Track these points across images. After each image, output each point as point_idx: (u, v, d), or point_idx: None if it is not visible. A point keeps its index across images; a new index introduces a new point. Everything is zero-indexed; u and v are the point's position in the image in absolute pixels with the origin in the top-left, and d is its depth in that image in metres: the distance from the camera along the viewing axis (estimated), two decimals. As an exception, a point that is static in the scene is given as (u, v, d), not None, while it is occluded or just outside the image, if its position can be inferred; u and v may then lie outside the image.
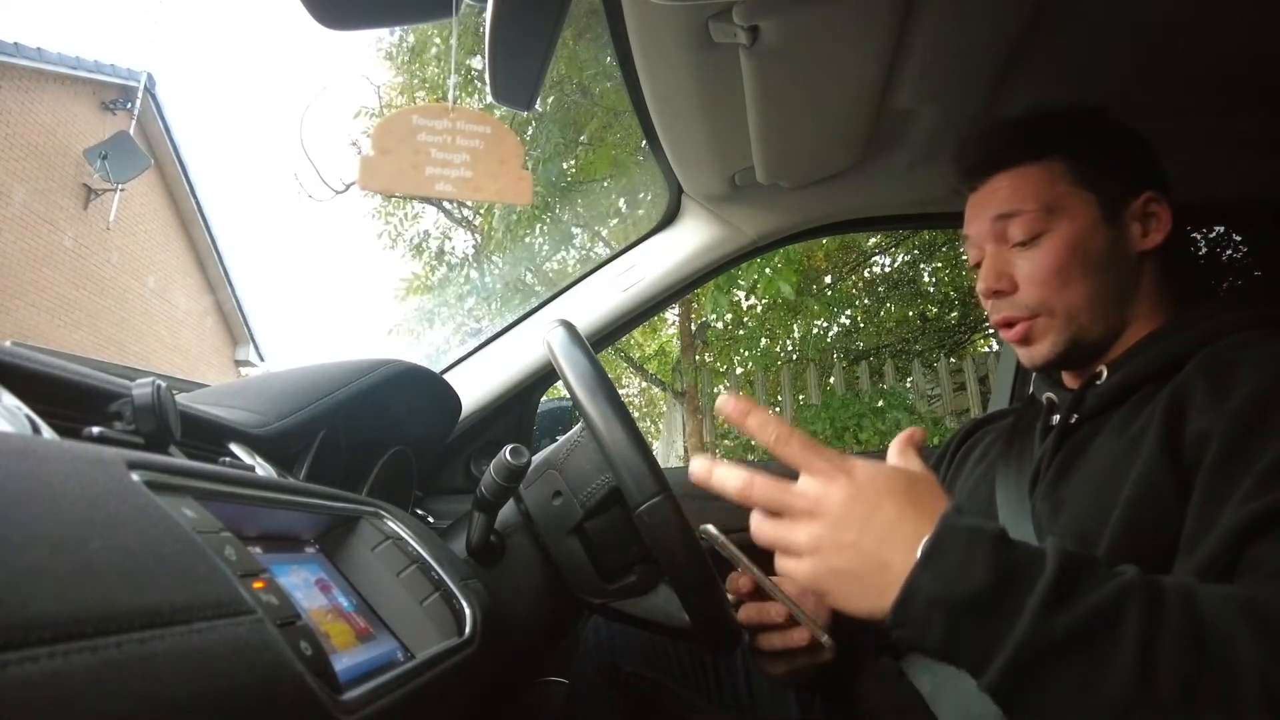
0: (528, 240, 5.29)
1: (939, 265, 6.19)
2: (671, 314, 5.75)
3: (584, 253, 5.61)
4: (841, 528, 0.51)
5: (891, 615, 0.49)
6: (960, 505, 0.52)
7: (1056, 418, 0.76)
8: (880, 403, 4.87)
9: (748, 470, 0.54)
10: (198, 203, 8.78)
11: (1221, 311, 0.70)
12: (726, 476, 0.55)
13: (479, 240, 6.00)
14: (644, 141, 1.09)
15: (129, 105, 7.71)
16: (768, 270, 4.32)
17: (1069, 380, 0.80)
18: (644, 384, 6.96)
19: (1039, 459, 0.74)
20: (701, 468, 0.56)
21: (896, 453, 0.60)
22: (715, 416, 5.65)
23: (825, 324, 5.96)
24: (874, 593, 0.50)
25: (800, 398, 5.39)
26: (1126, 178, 0.75)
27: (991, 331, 5.92)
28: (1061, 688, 0.44)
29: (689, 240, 1.26)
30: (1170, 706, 0.42)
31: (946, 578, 0.47)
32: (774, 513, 0.54)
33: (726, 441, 5.55)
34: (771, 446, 0.54)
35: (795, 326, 5.81)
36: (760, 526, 0.55)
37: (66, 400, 0.49)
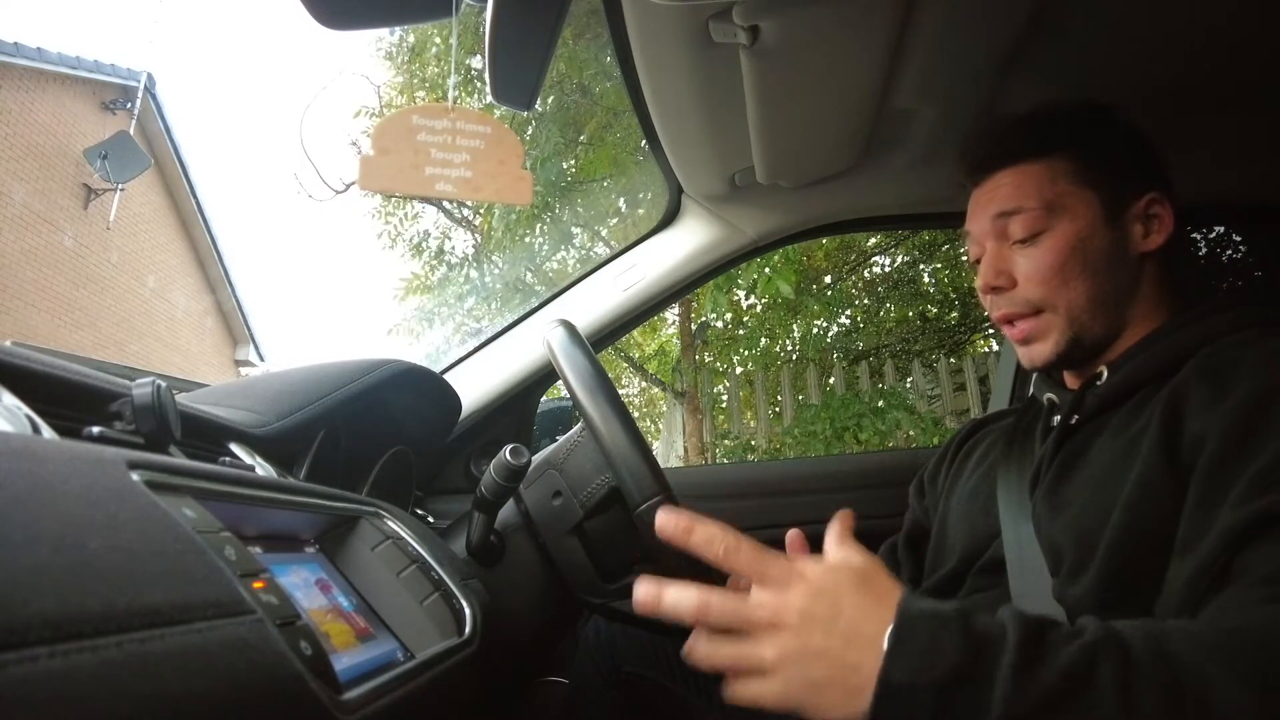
0: (527, 240, 5.28)
1: (939, 265, 6.19)
2: (671, 314, 5.75)
3: (584, 253, 5.61)
4: (806, 634, 0.48)
5: (871, 712, 0.46)
6: (911, 591, 0.50)
7: (1057, 418, 0.76)
8: (880, 403, 4.87)
9: (700, 590, 0.50)
10: (198, 203, 8.77)
11: (1219, 312, 0.70)
12: (679, 600, 0.50)
13: (479, 240, 6.00)
14: (644, 141, 1.09)
15: (129, 105, 7.71)
16: (767, 270, 4.31)
17: (1069, 381, 0.80)
18: (644, 384, 6.96)
19: (1039, 460, 0.74)
20: (648, 595, 0.51)
21: (835, 542, 0.57)
22: (715, 416, 5.65)
23: (825, 324, 5.96)
24: (848, 696, 0.47)
25: (800, 398, 5.39)
26: (1130, 178, 0.75)
27: (991, 332, 5.92)
28: None
29: (689, 240, 1.26)
30: None
31: (917, 664, 0.45)
32: (726, 632, 0.51)
33: (726, 441, 5.55)
34: (720, 560, 0.51)
35: (795, 326, 5.81)
36: (716, 650, 0.50)
37: (66, 400, 0.49)
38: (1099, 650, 0.45)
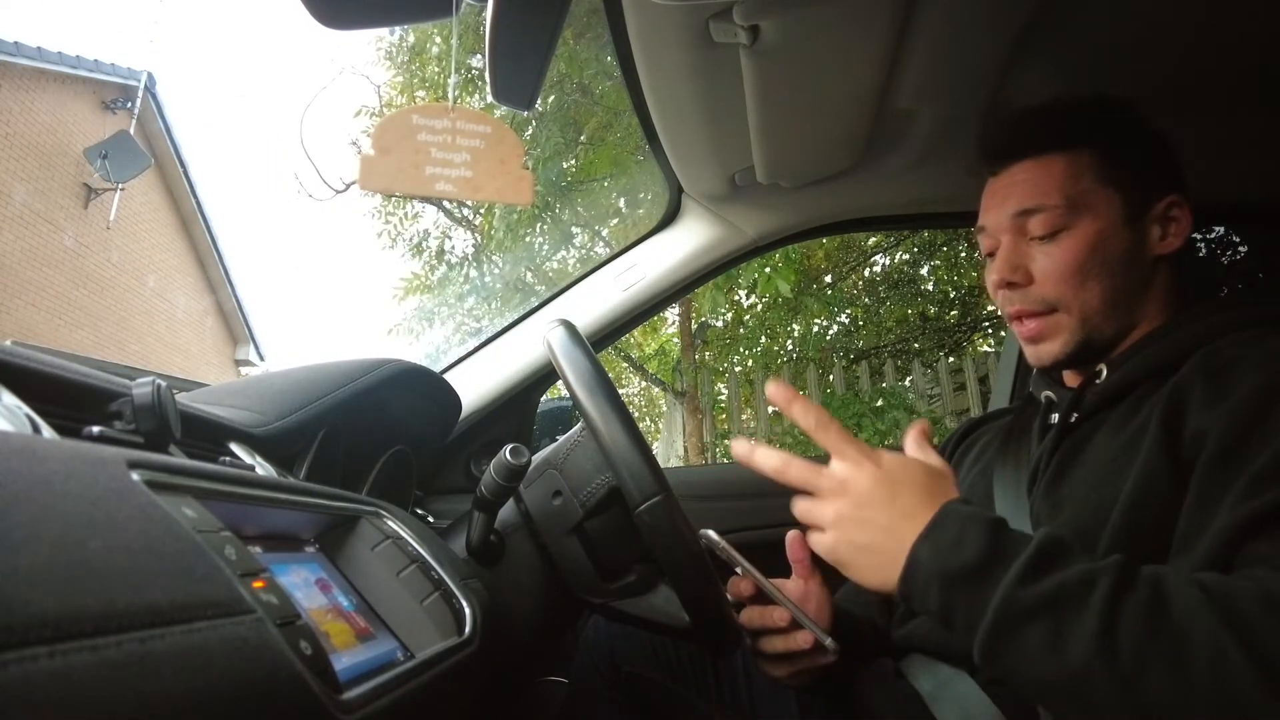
0: (528, 240, 5.28)
1: (938, 265, 6.19)
2: (671, 314, 5.75)
3: (584, 253, 5.61)
4: (863, 506, 0.57)
5: (899, 585, 0.55)
6: (968, 498, 0.58)
7: (1055, 416, 0.76)
8: (880, 402, 4.87)
9: (783, 454, 0.61)
10: (198, 202, 8.77)
11: (1219, 311, 0.70)
12: (766, 458, 0.61)
13: (479, 240, 6.00)
14: (644, 141, 1.09)
15: (129, 104, 7.71)
16: (767, 269, 4.32)
17: (1069, 378, 0.80)
18: (644, 384, 6.96)
19: (1037, 458, 0.74)
20: (744, 448, 0.62)
21: (914, 446, 0.65)
22: (715, 416, 5.65)
23: (825, 323, 5.96)
24: (886, 567, 0.56)
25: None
26: (1152, 178, 0.74)
27: (991, 331, 5.92)
28: (1030, 650, 0.48)
29: (689, 240, 1.26)
30: (1126, 670, 0.45)
31: (941, 552, 0.53)
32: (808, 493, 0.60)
33: (726, 441, 5.54)
34: (811, 431, 0.59)
35: (795, 326, 5.81)
36: (796, 502, 0.61)
37: (67, 399, 0.49)
38: (1102, 571, 0.49)
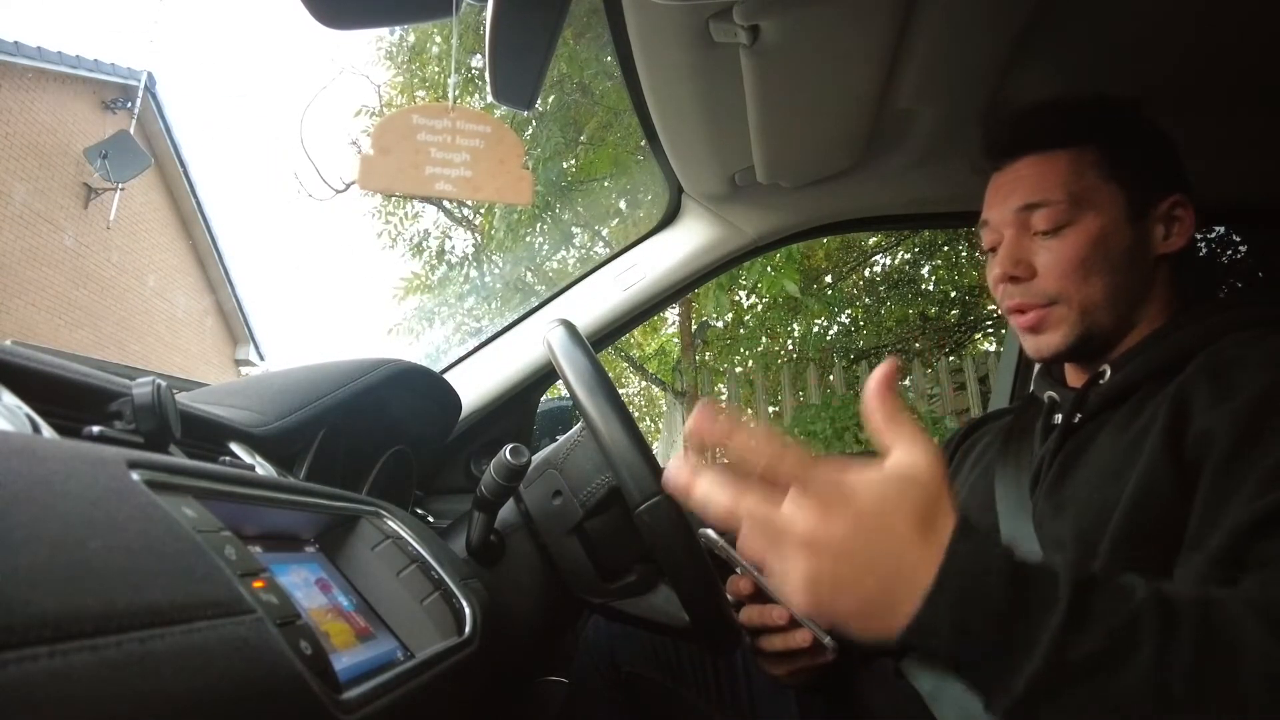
0: (528, 240, 5.29)
1: (939, 264, 6.20)
2: (671, 314, 5.76)
3: (584, 253, 5.62)
4: (841, 564, 0.45)
5: (898, 642, 0.45)
6: (967, 517, 0.47)
7: (1058, 417, 0.76)
8: (880, 402, 4.86)
9: (733, 489, 0.46)
10: (198, 202, 8.78)
11: (1221, 311, 0.70)
12: (710, 494, 0.47)
13: (479, 240, 6.00)
14: (644, 141, 1.09)
15: (129, 104, 7.71)
16: (769, 270, 4.32)
17: (1071, 379, 0.80)
18: (644, 384, 6.96)
19: (1040, 459, 0.74)
20: (680, 477, 0.47)
21: (891, 434, 0.50)
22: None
23: (825, 323, 5.97)
24: (878, 621, 0.46)
25: (800, 395, 5.39)
26: (1156, 177, 0.74)
27: (992, 331, 5.92)
28: (1076, 709, 0.42)
29: (689, 240, 1.26)
30: (1177, 708, 0.41)
31: (954, 615, 0.44)
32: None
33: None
34: (764, 470, 0.46)
35: (795, 326, 5.82)
36: (749, 542, 0.47)
37: (67, 399, 0.49)
38: (1142, 610, 0.43)
